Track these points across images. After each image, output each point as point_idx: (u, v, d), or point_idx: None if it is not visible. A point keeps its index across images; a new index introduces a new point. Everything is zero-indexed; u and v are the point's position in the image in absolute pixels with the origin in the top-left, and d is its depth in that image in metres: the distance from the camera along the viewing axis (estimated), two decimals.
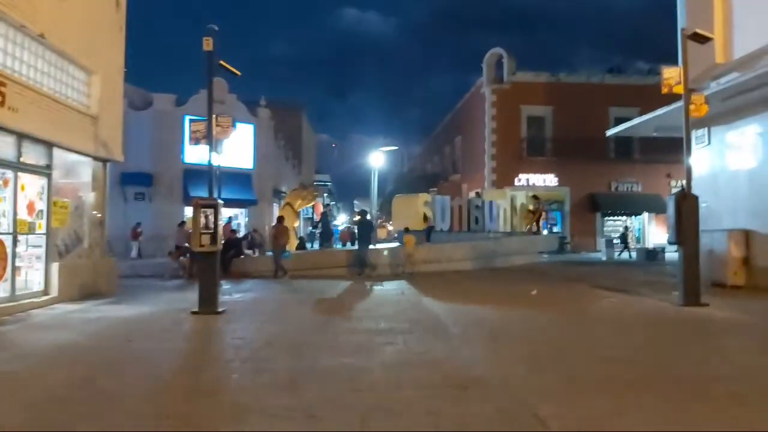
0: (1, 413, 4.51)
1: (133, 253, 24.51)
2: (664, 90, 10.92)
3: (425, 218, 21.42)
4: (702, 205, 10.95)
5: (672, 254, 15.13)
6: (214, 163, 10.65)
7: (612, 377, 5.54)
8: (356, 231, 17.72)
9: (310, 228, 25.92)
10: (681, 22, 13.85)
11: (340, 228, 42.54)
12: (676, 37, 12.42)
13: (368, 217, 18.08)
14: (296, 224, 22.10)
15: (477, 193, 28.08)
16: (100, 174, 12.67)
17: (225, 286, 13.24)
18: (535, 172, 30.72)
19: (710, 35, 11.11)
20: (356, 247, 17.37)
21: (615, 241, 26.83)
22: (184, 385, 5.51)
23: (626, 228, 29.46)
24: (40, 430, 4.21)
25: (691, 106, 10.80)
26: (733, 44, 12.75)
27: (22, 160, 10.10)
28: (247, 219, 30.01)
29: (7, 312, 9.30)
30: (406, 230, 17.78)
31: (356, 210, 30.99)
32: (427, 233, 21.12)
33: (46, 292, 10.78)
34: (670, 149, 20.33)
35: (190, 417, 4.46)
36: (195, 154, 24.57)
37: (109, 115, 12.63)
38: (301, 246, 22.28)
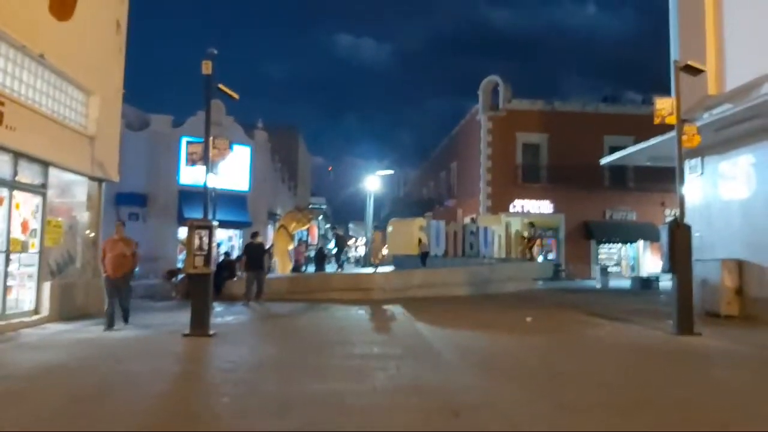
0: None
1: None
2: (657, 120, 11.07)
3: (419, 242, 21.42)
4: (695, 234, 11.01)
5: (666, 283, 15.13)
6: (210, 184, 10.67)
7: (604, 404, 5.54)
8: (248, 254, 15.75)
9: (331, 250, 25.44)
10: (674, 53, 14.04)
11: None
12: (668, 67, 12.59)
13: (259, 239, 16.24)
14: (290, 247, 22.06)
15: (472, 219, 28.14)
16: (96, 194, 12.66)
17: (217, 308, 13.17)
18: (530, 198, 30.82)
19: (702, 67, 11.28)
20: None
21: None
22: (174, 408, 5.46)
23: None
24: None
25: (684, 137, 10.93)
26: (725, 76, 12.92)
27: (17, 178, 10.10)
28: (241, 241, 29.94)
29: None
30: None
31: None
32: (422, 258, 21.09)
33: (36, 311, 10.71)
34: (665, 178, 20.43)
35: None
36: (190, 175, 24.55)
37: (106, 136, 12.68)
38: (295, 269, 22.23)
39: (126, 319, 10.73)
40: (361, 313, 13.36)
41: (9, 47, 9.63)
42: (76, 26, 11.09)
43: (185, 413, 5.23)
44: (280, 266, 20.92)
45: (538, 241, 26.35)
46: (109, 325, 10.24)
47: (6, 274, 9.89)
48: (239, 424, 4.79)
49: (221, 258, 17.27)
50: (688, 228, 10.58)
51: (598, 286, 24.89)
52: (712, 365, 8.10)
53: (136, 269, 11.62)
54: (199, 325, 9.57)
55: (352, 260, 31.65)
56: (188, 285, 13.12)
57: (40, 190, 10.79)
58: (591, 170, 27.68)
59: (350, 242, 31.07)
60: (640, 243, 31.70)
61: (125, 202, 25.75)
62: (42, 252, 10.85)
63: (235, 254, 22.72)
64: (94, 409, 5.25)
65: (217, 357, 8.18)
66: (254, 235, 16.18)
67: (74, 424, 4.80)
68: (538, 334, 10.54)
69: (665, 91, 12.46)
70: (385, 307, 14.42)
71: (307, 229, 37.57)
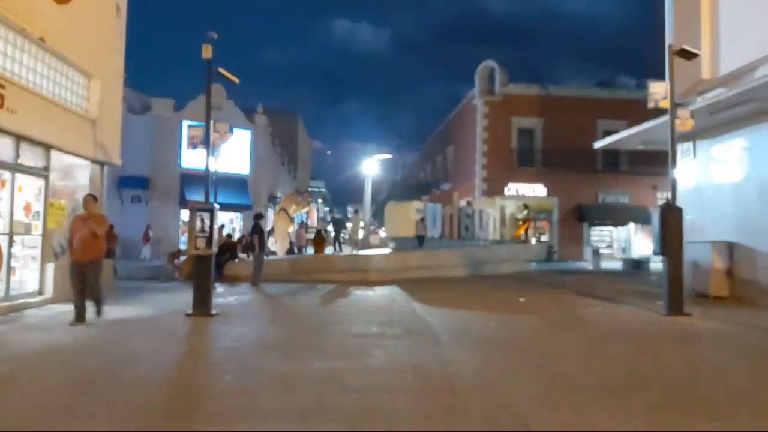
0: None
1: (145, 255, 24.56)
2: (651, 104, 11.21)
3: (422, 220, 21.51)
4: (687, 217, 11.20)
5: (657, 264, 15.39)
6: (211, 167, 10.81)
7: (598, 383, 5.69)
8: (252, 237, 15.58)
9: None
10: (668, 37, 14.12)
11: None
12: (663, 51, 12.70)
13: (262, 222, 15.98)
14: (290, 229, 22.27)
15: (468, 202, 28.32)
16: (98, 177, 12.73)
17: (219, 289, 13.36)
18: (524, 182, 31.00)
19: (697, 52, 11.38)
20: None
21: None
22: (177, 386, 5.59)
23: None
24: (33, 430, 4.23)
25: (677, 121, 11.09)
26: (719, 60, 13.02)
27: (19, 161, 10.18)
28: (242, 223, 30.21)
29: (1, 312, 9.38)
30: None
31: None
32: (419, 240, 21.28)
33: (40, 292, 10.87)
34: (657, 162, 20.54)
35: (182, 418, 4.55)
36: (192, 158, 24.67)
37: (107, 119, 12.73)
38: (291, 251, 22.42)
39: (99, 312, 8.99)
40: (359, 293, 13.56)
41: (9, 30, 9.63)
42: (75, 9, 11.08)
43: (188, 391, 5.38)
44: (281, 248, 21.15)
45: (531, 223, 26.58)
46: (78, 318, 8.69)
47: (10, 256, 10.00)
48: (241, 401, 4.89)
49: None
50: (679, 211, 10.78)
51: (591, 267, 25.21)
52: (701, 345, 8.29)
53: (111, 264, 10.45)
54: (202, 305, 9.77)
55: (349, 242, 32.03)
56: (191, 266, 13.30)
57: (43, 173, 10.88)
58: (584, 154, 27.91)
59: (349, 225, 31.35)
60: (632, 225, 31.96)
61: (128, 185, 26.02)
62: (45, 234, 10.97)
63: (236, 236, 22.93)
64: (97, 389, 5.33)
65: (219, 336, 8.34)
66: (257, 216, 16.16)
67: (78, 404, 4.87)
68: (531, 314, 10.75)
69: (659, 76, 12.59)
70: (384, 288, 14.62)
71: (307, 212, 37.78)
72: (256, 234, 15.31)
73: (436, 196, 38.47)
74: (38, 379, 5.66)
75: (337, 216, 27.26)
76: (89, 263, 8.73)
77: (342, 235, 24.66)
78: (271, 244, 17.84)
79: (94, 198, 9.39)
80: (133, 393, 5.15)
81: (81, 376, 5.81)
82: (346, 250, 22.71)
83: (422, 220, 21.27)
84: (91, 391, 5.24)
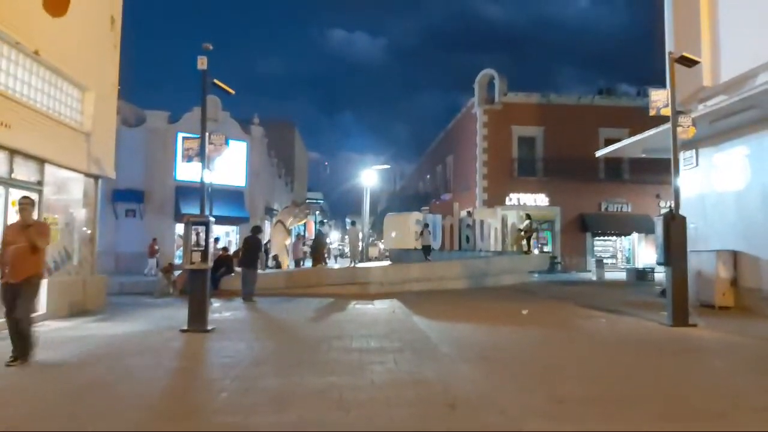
0: None
1: (150, 269, 24.26)
2: (652, 112, 11.12)
3: (426, 227, 21.33)
4: (690, 226, 11.06)
5: (661, 274, 15.20)
6: (206, 180, 10.68)
7: (600, 397, 5.57)
8: (244, 250, 15.41)
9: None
10: (669, 45, 14.06)
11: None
12: (663, 59, 12.59)
13: (260, 235, 15.79)
14: (287, 242, 22.12)
15: (468, 212, 28.21)
16: (92, 190, 12.64)
17: (215, 304, 13.18)
18: (526, 191, 30.91)
19: (697, 59, 11.29)
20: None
21: None
22: (172, 404, 5.47)
23: None
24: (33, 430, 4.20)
25: (679, 128, 10.98)
26: (720, 67, 12.95)
27: (13, 175, 10.07)
28: (238, 236, 30.02)
29: None
30: None
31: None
32: (425, 250, 21.11)
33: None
34: (660, 170, 20.53)
35: None
36: (187, 171, 24.59)
37: (101, 132, 12.65)
38: (278, 266, 22.20)
39: (24, 354, 6.81)
40: (358, 307, 13.39)
41: (3, 44, 9.59)
42: (70, 22, 11.04)
43: (184, 409, 5.24)
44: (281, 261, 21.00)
45: (534, 234, 26.45)
46: (16, 357, 6.77)
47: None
48: (238, 419, 4.79)
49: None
50: (683, 219, 10.63)
51: (594, 278, 25.01)
52: (707, 356, 8.13)
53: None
54: (197, 320, 9.60)
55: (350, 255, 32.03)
56: (186, 280, 13.13)
57: (36, 187, 10.76)
58: (586, 163, 27.82)
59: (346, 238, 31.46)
60: (635, 235, 31.82)
61: (122, 198, 25.91)
62: None
63: (232, 249, 22.75)
64: (92, 405, 5.25)
65: (215, 352, 8.18)
66: (255, 230, 15.94)
67: (73, 420, 4.79)
68: (533, 327, 10.59)
69: (660, 84, 12.48)
70: (383, 301, 14.46)
71: (304, 224, 37.68)
72: (246, 247, 15.14)
73: (436, 206, 38.34)
74: (31, 396, 5.54)
75: (324, 230, 27.09)
76: (24, 283, 6.79)
77: (340, 246, 24.47)
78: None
79: (32, 202, 7.40)
80: (124, 412, 5.03)
81: (72, 393, 5.68)
82: (343, 262, 22.56)
83: (426, 226, 21.03)
84: (85, 409, 5.13)
